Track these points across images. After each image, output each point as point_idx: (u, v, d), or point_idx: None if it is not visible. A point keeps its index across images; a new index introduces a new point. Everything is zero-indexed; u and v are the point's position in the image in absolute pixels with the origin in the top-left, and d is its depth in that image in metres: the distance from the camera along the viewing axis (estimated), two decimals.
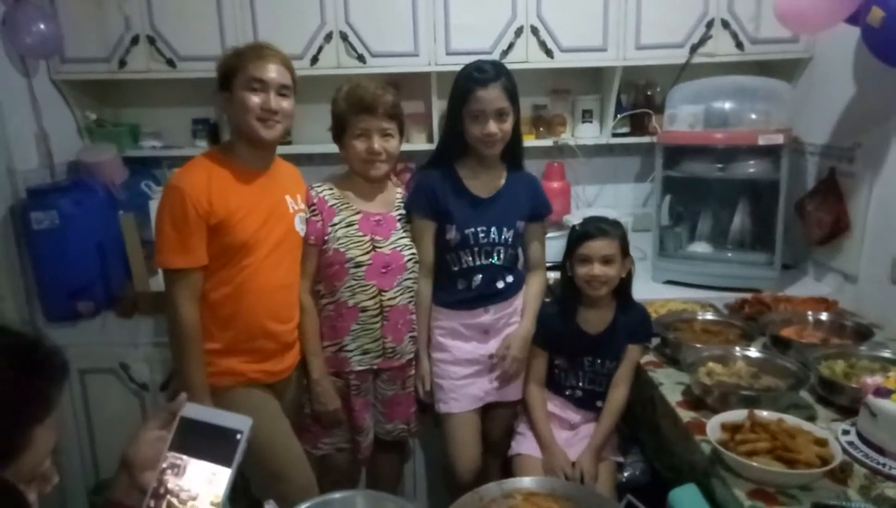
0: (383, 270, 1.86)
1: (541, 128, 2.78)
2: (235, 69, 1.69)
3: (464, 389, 1.95)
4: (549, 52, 2.51)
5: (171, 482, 0.93)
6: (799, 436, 1.36)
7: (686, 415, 1.58)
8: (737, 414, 1.45)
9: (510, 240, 1.93)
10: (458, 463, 1.96)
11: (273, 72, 1.69)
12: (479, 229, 1.89)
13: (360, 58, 2.48)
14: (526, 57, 2.51)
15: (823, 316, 1.99)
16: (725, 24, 2.50)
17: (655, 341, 1.97)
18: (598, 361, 1.91)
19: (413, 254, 1.92)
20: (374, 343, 1.88)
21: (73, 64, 2.45)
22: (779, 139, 2.21)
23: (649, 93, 2.77)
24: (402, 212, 1.96)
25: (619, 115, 2.72)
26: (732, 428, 1.41)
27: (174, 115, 2.77)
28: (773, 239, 2.33)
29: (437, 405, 1.99)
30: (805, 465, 1.28)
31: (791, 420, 1.43)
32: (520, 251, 2.03)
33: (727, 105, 2.32)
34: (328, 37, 2.45)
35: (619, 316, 1.90)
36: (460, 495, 1.48)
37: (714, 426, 1.43)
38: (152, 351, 2.29)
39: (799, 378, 1.62)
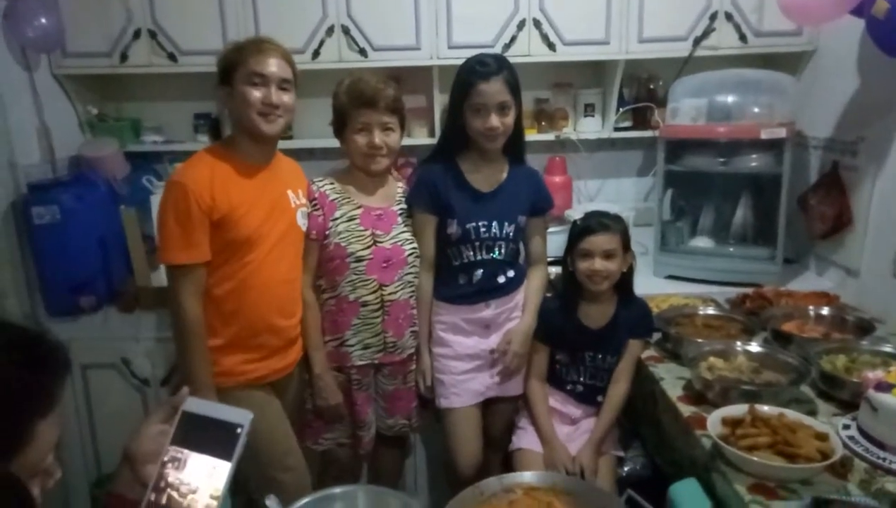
0: (384, 265, 1.86)
1: (542, 123, 2.77)
2: (236, 63, 1.68)
3: (465, 384, 1.96)
4: (551, 46, 2.50)
5: (172, 475, 0.93)
6: (800, 431, 1.36)
7: (687, 410, 1.58)
8: (737, 409, 1.45)
9: (511, 234, 1.93)
10: (459, 458, 1.97)
11: (274, 66, 1.69)
12: (480, 223, 1.89)
13: (362, 51, 2.47)
14: (528, 50, 2.50)
15: (825, 311, 1.99)
16: (729, 17, 2.49)
17: (656, 336, 1.97)
18: (600, 356, 1.91)
19: (414, 248, 1.92)
20: (375, 337, 1.89)
21: (74, 58, 2.45)
22: (782, 133, 2.20)
23: (652, 86, 2.76)
24: (403, 206, 1.96)
25: (621, 109, 2.71)
26: (733, 423, 1.41)
27: (175, 110, 2.76)
28: (775, 233, 2.32)
29: (438, 400, 1.99)
30: (805, 460, 1.28)
31: (792, 414, 1.43)
32: (521, 246, 2.03)
33: (730, 98, 2.31)
34: (330, 30, 2.44)
35: (621, 310, 1.90)
36: (461, 489, 1.48)
37: (715, 420, 1.43)
38: (154, 346, 2.29)
39: (800, 372, 1.61)
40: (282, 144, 1.99)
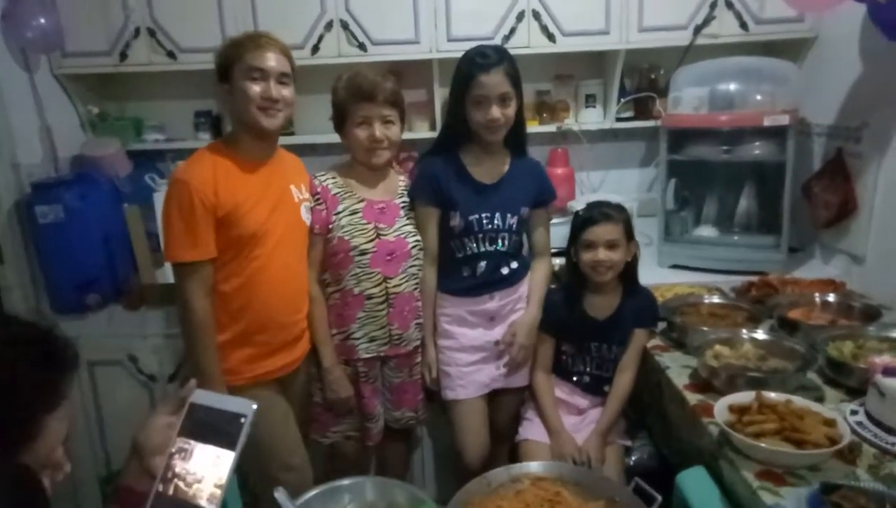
0: (388, 258, 1.86)
1: (544, 114, 2.77)
2: (234, 59, 1.68)
3: (470, 376, 1.96)
4: (551, 37, 2.49)
5: (179, 466, 0.94)
6: (807, 417, 1.36)
7: (693, 398, 1.58)
8: (744, 396, 1.45)
9: (514, 226, 1.93)
10: (465, 450, 1.97)
11: (272, 60, 1.68)
12: (483, 215, 1.89)
13: (361, 46, 2.47)
14: (528, 42, 2.49)
15: (831, 298, 1.98)
16: (729, 5, 2.48)
17: (662, 325, 1.96)
18: (605, 346, 1.90)
19: (417, 241, 1.92)
20: (381, 330, 1.89)
21: (74, 58, 2.45)
22: (784, 120, 2.19)
23: (653, 76, 2.75)
24: (406, 199, 1.96)
25: (622, 100, 2.70)
26: (740, 410, 1.41)
27: (176, 108, 2.77)
28: (779, 221, 2.31)
29: (444, 392, 1.99)
30: (813, 446, 1.28)
31: (799, 401, 1.43)
32: (524, 237, 2.03)
33: (732, 87, 2.30)
34: (328, 25, 2.44)
35: (626, 300, 1.90)
36: (468, 481, 1.48)
37: (721, 408, 1.42)
38: (160, 342, 2.30)
39: (806, 359, 1.61)
40: (283, 140, 2.00)
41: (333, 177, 1.91)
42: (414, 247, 1.91)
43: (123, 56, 2.45)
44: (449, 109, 1.94)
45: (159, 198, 1.86)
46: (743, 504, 1.28)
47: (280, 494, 1.35)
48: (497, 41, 2.44)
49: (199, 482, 0.92)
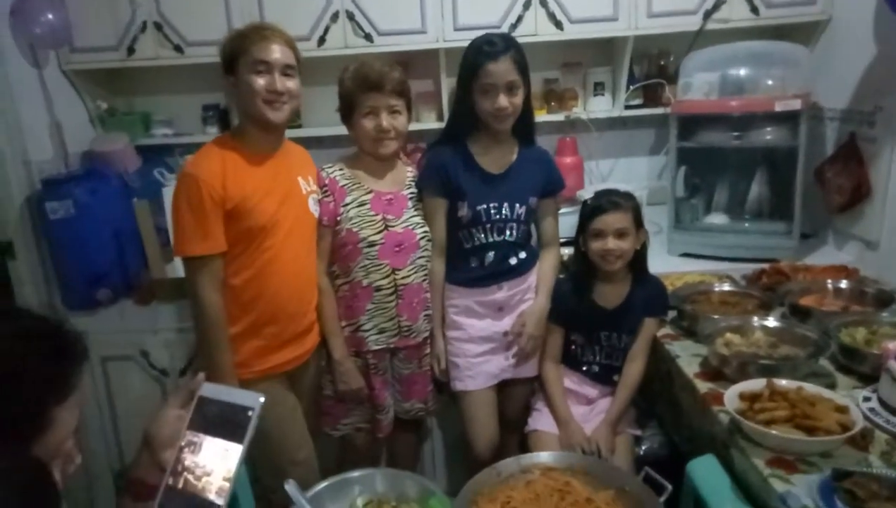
0: (396, 249, 1.86)
1: (552, 103, 2.75)
2: (238, 52, 1.68)
3: (479, 366, 1.96)
4: (558, 24, 2.47)
5: (189, 459, 0.95)
6: (819, 404, 1.35)
7: (704, 386, 1.57)
8: (755, 384, 1.44)
9: (523, 215, 1.92)
10: (475, 441, 1.97)
11: (277, 52, 1.68)
12: (491, 205, 1.88)
13: (368, 37, 2.46)
14: (535, 30, 2.47)
15: (843, 284, 1.96)
16: None
17: (672, 314, 1.95)
18: (615, 335, 1.89)
19: (425, 232, 1.92)
20: (390, 322, 1.89)
21: (82, 53, 2.46)
22: (796, 105, 2.16)
23: (662, 62, 2.72)
24: (414, 190, 1.95)
25: (631, 87, 2.68)
26: (751, 398, 1.40)
27: (184, 102, 2.77)
28: (791, 207, 2.28)
29: (453, 383, 1.99)
30: (825, 432, 1.27)
31: (811, 387, 1.41)
32: (532, 227, 2.02)
33: (743, 71, 2.27)
34: (335, 16, 2.43)
35: (635, 289, 1.88)
36: (478, 471, 1.48)
37: (732, 396, 1.41)
38: (171, 337, 2.31)
39: (818, 346, 1.59)
40: (291, 133, 1.99)
41: (341, 169, 1.91)
42: (422, 238, 1.90)
43: (131, 50, 2.46)
44: (456, 98, 1.93)
45: (168, 193, 1.87)
46: (754, 491, 1.28)
47: (290, 486, 1.35)
48: (504, 30, 2.42)
49: (208, 475, 0.93)
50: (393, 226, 1.87)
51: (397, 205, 1.90)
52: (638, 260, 1.88)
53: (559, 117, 2.71)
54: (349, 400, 1.94)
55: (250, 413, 0.94)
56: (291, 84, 1.72)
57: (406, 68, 2.20)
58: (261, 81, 1.67)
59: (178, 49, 2.45)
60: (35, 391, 0.80)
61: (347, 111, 1.88)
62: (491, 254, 1.91)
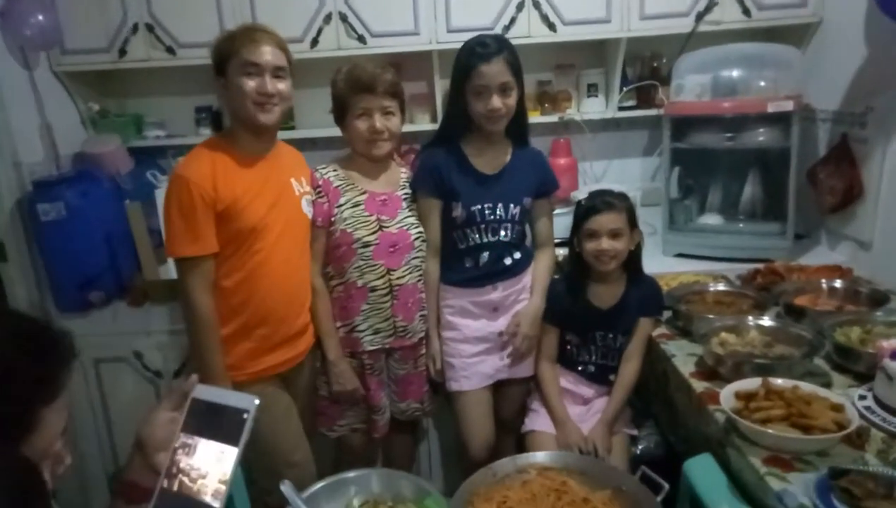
0: (391, 250, 1.85)
1: (546, 105, 2.75)
2: (229, 54, 1.67)
3: (474, 367, 1.95)
4: (551, 26, 2.47)
5: (183, 461, 0.94)
6: (814, 402, 1.35)
7: (699, 386, 1.57)
8: (751, 383, 1.44)
9: (517, 216, 1.92)
10: (471, 441, 1.97)
11: (268, 54, 1.67)
12: (485, 206, 1.88)
13: (361, 38, 2.45)
14: (528, 31, 2.47)
15: (838, 284, 1.96)
16: None
17: (667, 314, 1.95)
18: (610, 336, 1.89)
19: (420, 232, 1.91)
20: (385, 322, 1.88)
21: (73, 55, 2.44)
22: (788, 106, 2.17)
23: (655, 64, 2.73)
24: (408, 191, 1.95)
25: (624, 88, 2.68)
26: (746, 397, 1.39)
27: (177, 104, 2.76)
28: (784, 208, 2.29)
29: (449, 383, 1.99)
30: (821, 431, 1.27)
31: (806, 386, 1.41)
32: (527, 228, 2.02)
33: (735, 73, 2.28)
34: (327, 18, 2.43)
35: (630, 289, 1.89)
36: (474, 472, 1.48)
37: (728, 395, 1.41)
38: (165, 339, 2.30)
39: (813, 345, 1.59)
40: (284, 135, 1.98)
41: (335, 170, 1.90)
42: (417, 238, 1.90)
43: (122, 52, 2.44)
44: (450, 100, 1.93)
45: (161, 195, 1.86)
46: (750, 490, 1.28)
47: (286, 487, 1.34)
48: (497, 31, 2.42)
49: (203, 478, 0.92)
50: (387, 227, 1.86)
51: (392, 205, 1.90)
52: (632, 261, 1.88)
53: (553, 119, 2.71)
54: (344, 401, 1.93)
55: (245, 415, 0.93)
56: (282, 86, 1.71)
57: (399, 70, 2.20)
58: (251, 84, 1.66)
59: (170, 50, 2.44)
60: (22, 391, 0.79)
61: (340, 113, 1.88)
62: (486, 255, 1.91)
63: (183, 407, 0.99)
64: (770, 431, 1.28)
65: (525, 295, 1.98)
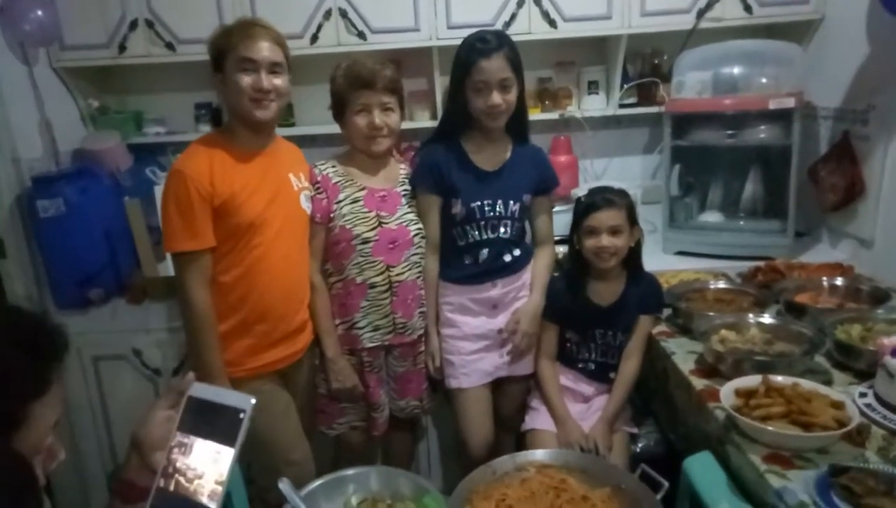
0: (390, 246, 1.85)
1: (546, 102, 2.74)
2: (226, 50, 1.66)
3: (474, 364, 1.95)
4: (552, 22, 2.46)
5: (180, 461, 0.93)
6: (815, 400, 1.34)
7: (699, 383, 1.56)
8: (751, 380, 1.43)
9: (517, 213, 1.91)
10: (470, 438, 1.96)
11: (265, 50, 1.66)
12: (484, 202, 1.87)
13: (361, 34, 2.45)
14: (529, 28, 2.46)
15: (838, 282, 1.95)
16: None
17: (667, 311, 1.95)
18: (610, 333, 1.89)
19: (419, 228, 1.91)
20: (385, 319, 1.88)
21: (72, 51, 2.43)
22: (790, 103, 2.16)
23: (656, 61, 2.72)
24: (407, 187, 1.95)
25: (625, 86, 2.67)
26: (746, 394, 1.39)
27: (176, 101, 2.75)
28: (785, 206, 2.28)
29: (448, 380, 1.98)
30: (821, 428, 1.26)
31: (806, 384, 1.41)
32: (527, 225, 2.01)
33: (736, 70, 2.27)
34: (327, 14, 2.42)
35: (630, 287, 1.88)
36: (473, 469, 1.48)
37: (728, 392, 1.40)
38: (164, 336, 2.30)
39: (814, 343, 1.59)
40: (283, 131, 1.98)
41: (334, 166, 1.90)
42: (416, 235, 1.90)
43: (122, 48, 2.43)
44: (449, 96, 1.93)
45: (160, 192, 1.85)
46: (750, 488, 1.27)
47: (284, 485, 1.34)
48: (498, 28, 2.41)
49: (199, 478, 0.91)
50: (387, 223, 1.86)
51: (391, 201, 1.89)
52: (632, 258, 1.88)
53: (553, 116, 2.70)
54: (343, 398, 1.93)
55: (241, 415, 0.92)
56: (279, 81, 1.70)
57: (399, 66, 2.20)
58: (247, 80, 1.65)
59: (169, 47, 2.43)
60: (11, 385, 0.78)
61: (339, 109, 1.88)
62: (485, 252, 1.90)
63: (179, 405, 0.98)
64: (770, 428, 1.27)
65: (524, 292, 1.97)
